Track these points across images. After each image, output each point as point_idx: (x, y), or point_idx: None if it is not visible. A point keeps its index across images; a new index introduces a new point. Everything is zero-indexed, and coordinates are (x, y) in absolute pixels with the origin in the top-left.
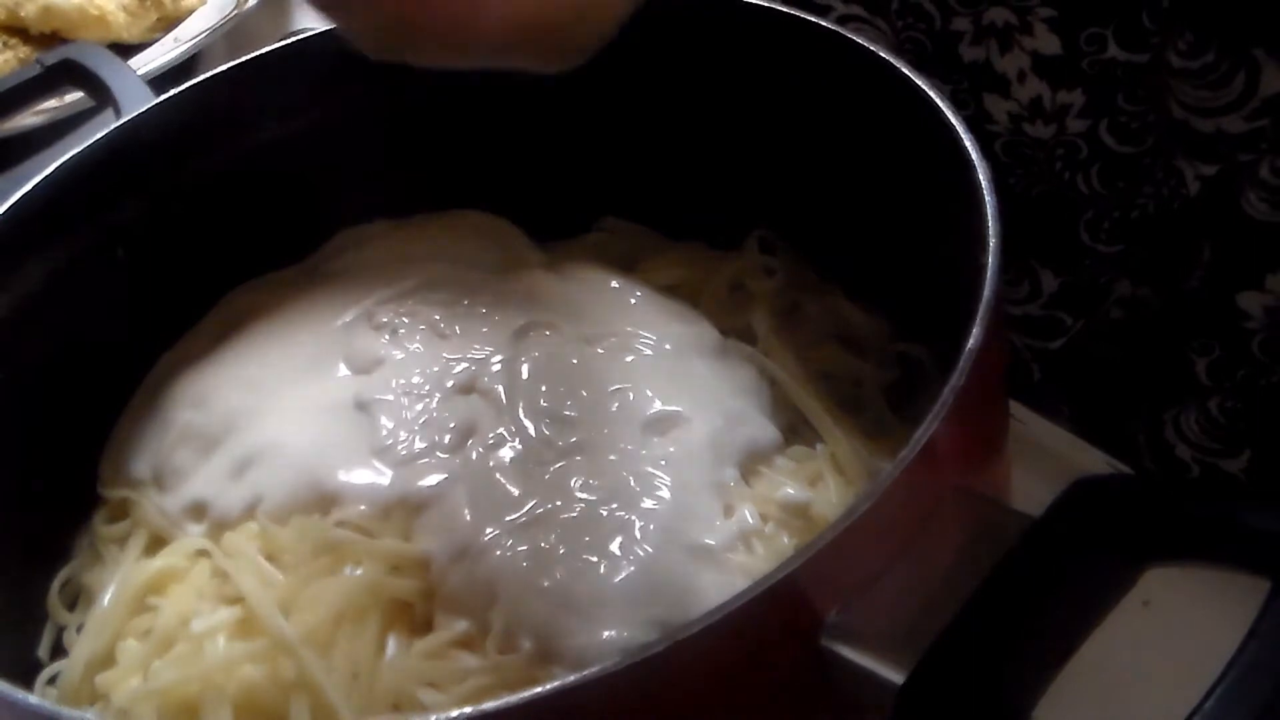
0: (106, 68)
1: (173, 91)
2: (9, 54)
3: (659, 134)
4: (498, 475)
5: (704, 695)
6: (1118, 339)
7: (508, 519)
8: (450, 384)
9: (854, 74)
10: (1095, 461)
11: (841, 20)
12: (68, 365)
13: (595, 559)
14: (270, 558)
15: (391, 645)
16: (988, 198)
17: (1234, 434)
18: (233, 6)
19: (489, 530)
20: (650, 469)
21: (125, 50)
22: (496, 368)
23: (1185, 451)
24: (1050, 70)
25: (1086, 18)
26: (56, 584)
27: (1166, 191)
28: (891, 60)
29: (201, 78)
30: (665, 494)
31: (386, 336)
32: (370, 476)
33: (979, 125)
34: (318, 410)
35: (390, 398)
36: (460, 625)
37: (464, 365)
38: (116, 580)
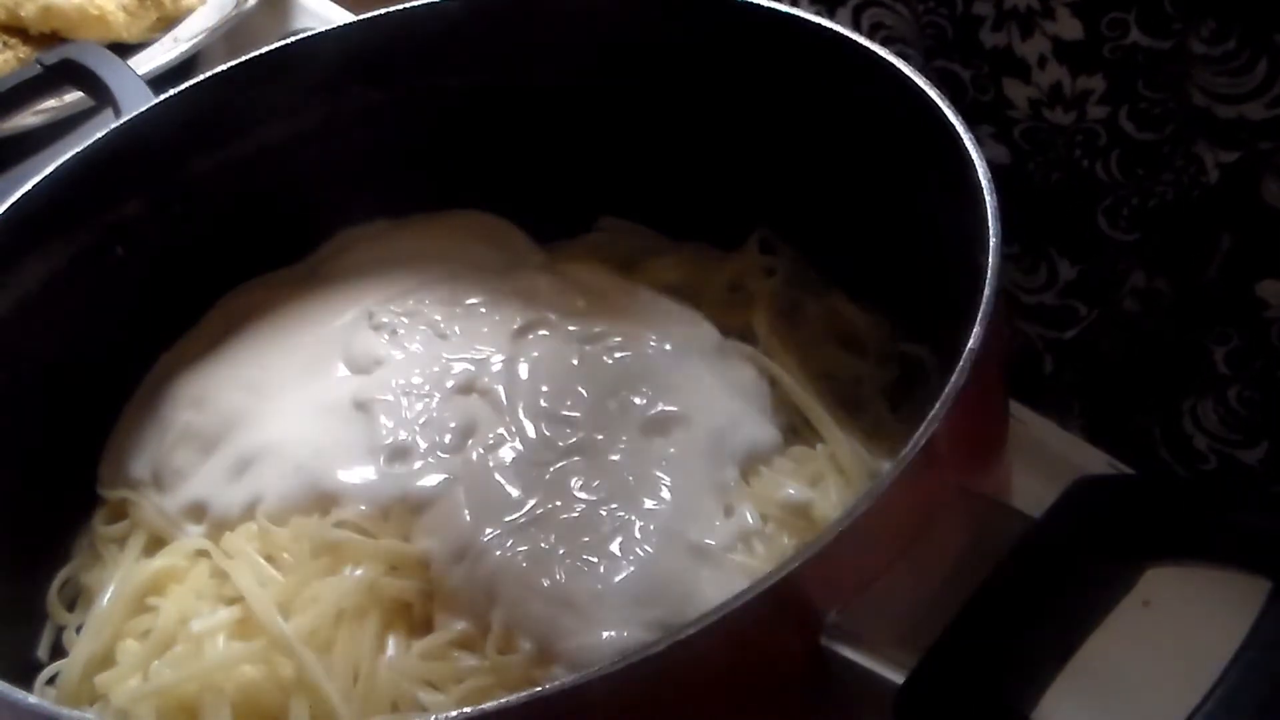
0: (106, 68)
1: (172, 91)
2: (9, 54)
3: (659, 134)
4: (498, 475)
5: (704, 695)
6: (1133, 331)
7: (508, 519)
8: (450, 384)
9: (854, 73)
10: (1095, 461)
11: (862, 6)
12: (68, 365)
13: (595, 559)
14: (269, 558)
15: (391, 645)
16: (988, 198)
17: (1252, 424)
18: (233, 6)
19: (489, 530)
20: (650, 469)
21: (125, 50)
22: (496, 368)
23: (1203, 442)
24: (1071, 55)
25: (1109, 3)
26: (56, 584)
27: (1186, 179)
28: (891, 60)
29: (201, 78)
30: (665, 494)
31: (386, 336)
32: (370, 476)
33: (999, 111)
34: (317, 410)
35: (390, 398)
36: (460, 625)
37: (464, 365)
38: (116, 580)
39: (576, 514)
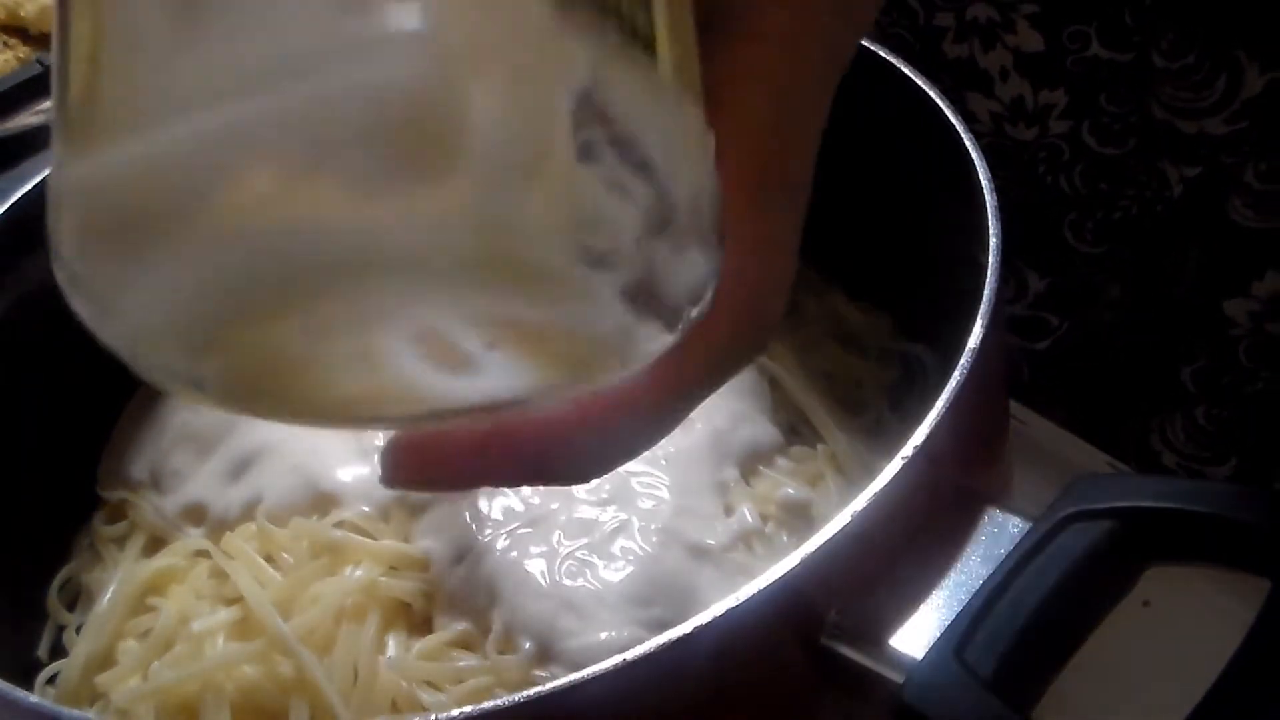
0: None
1: None
2: (9, 54)
3: None
4: None
5: (704, 695)
6: (1106, 345)
7: (507, 519)
8: None
9: (853, 74)
10: (1095, 461)
11: None
12: (68, 365)
13: (595, 559)
14: (269, 558)
15: (391, 645)
16: (988, 197)
17: (1220, 442)
18: None
19: (489, 530)
20: (650, 469)
21: None
22: None
23: (1171, 459)
24: (1033, 68)
25: (1069, 15)
26: (56, 584)
27: (1149, 193)
28: (892, 60)
29: None
30: (665, 494)
31: None
32: (369, 476)
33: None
34: None
35: None
36: (460, 625)
37: None
38: (116, 580)
39: (576, 514)
